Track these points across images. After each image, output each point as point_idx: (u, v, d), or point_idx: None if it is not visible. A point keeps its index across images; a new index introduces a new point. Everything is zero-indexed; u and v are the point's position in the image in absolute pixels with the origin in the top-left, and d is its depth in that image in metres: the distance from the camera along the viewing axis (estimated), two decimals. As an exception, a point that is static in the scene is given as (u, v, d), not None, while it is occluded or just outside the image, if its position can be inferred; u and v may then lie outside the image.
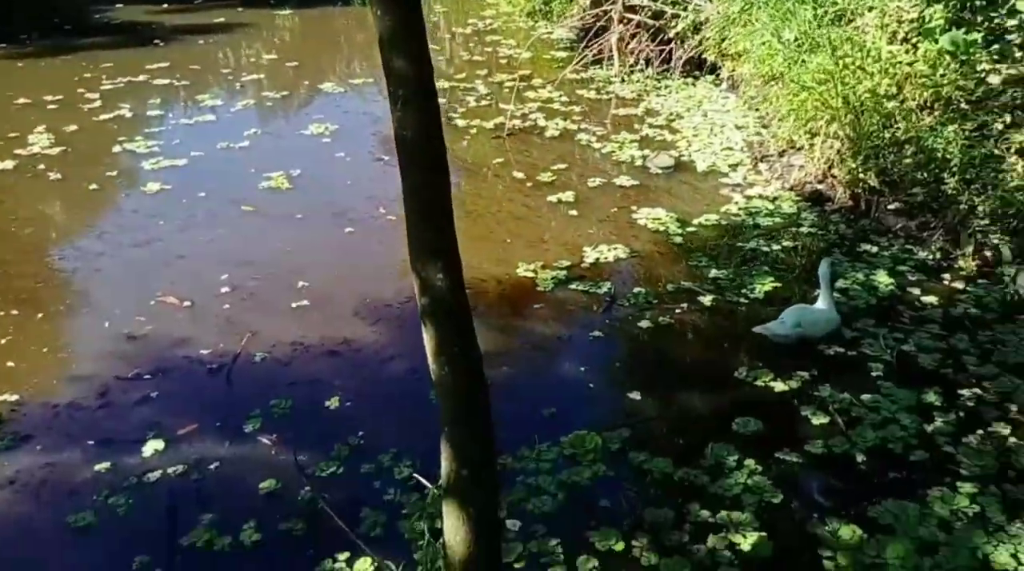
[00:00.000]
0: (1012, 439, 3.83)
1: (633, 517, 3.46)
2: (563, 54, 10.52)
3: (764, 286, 5.19)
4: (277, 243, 5.93)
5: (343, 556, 3.28)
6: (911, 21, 6.31)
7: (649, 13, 9.35)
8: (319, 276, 5.42)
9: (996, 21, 6.10)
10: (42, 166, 7.25)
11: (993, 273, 5.20)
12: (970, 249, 5.35)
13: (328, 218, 6.25)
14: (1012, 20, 6.00)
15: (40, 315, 5.09)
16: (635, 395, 4.27)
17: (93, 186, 6.90)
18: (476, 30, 12.26)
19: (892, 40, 6.38)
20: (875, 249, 5.60)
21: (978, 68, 6.03)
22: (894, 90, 6.10)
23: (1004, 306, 4.91)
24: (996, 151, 5.56)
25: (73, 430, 4.09)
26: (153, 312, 5.07)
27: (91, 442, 3.99)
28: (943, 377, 4.29)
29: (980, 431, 3.88)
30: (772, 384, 4.27)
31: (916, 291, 5.11)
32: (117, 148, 7.64)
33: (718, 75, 8.97)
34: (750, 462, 3.72)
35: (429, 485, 2.70)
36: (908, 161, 5.83)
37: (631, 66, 9.44)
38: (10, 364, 4.59)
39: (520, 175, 7.00)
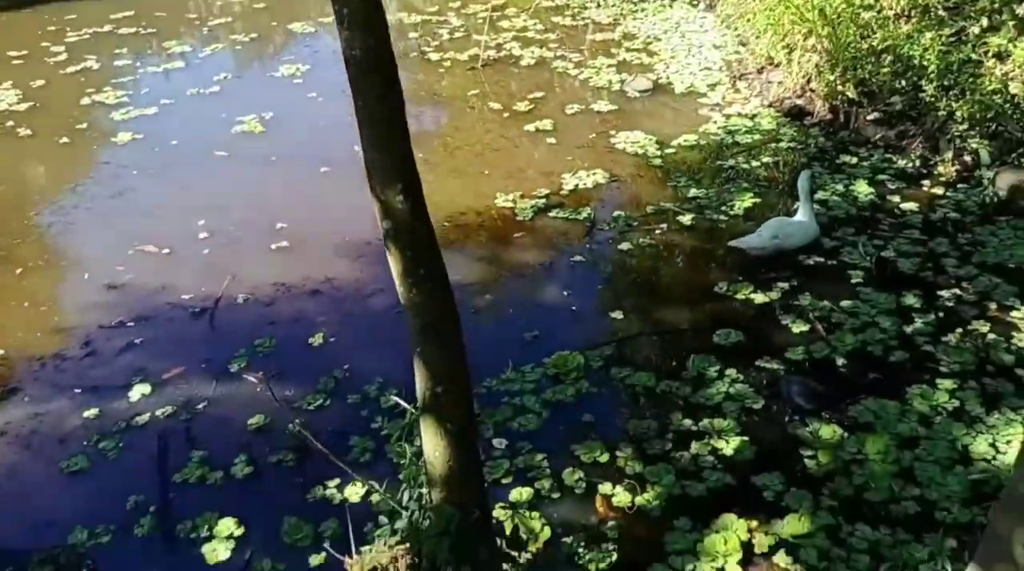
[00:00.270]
0: (991, 335, 3.88)
1: (617, 429, 3.52)
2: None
3: (744, 202, 5.18)
4: (253, 187, 5.88)
5: (333, 483, 3.34)
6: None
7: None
8: (297, 217, 5.38)
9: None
10: (11, 123, 7.11)
11: (972, 177, 5.19)
12: (949, 155, 5.33)
13: (303, 160, 6.16)
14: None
15: (19, 270, 5.05)
16: (617, 314, 4.28)
17: (64, 140, 6.78)
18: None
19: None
20: (855, 160, 5.57)
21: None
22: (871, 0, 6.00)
23: (983, 208, 4.92)
24: (974, 56, 5.49)
25: (59, 380, 4.10)
26: (133, 261, 5.04)
27: (78, 390, 4.01)
28: (923, 280, 4.31)
29: (959, 329, 3.92)
30: (752, 296, 4.29)
31: (896, 199, 5.11)
32: (86, 100, 7.49)
33: (695, -5, 8.79)
34: (731, 372, 3.76)
35: (407, 406, 2.73)
36: (886, 71, 5.76)
37: (606, -10, 9.24)
38: (-8, 320, 4.58)
39: (497, 106, 6.90)
